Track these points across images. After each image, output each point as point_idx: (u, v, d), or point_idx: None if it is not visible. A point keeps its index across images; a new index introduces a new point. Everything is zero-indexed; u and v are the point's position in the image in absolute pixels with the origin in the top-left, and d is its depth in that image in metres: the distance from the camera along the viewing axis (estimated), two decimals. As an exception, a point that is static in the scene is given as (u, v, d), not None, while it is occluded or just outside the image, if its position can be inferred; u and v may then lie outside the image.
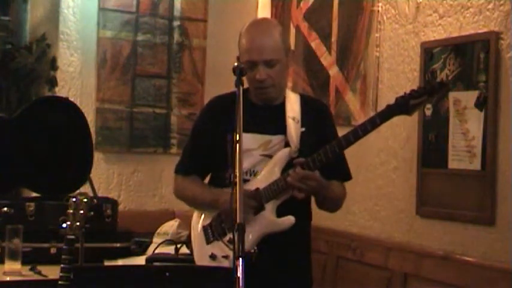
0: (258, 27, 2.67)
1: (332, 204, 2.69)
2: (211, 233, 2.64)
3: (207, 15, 4.66)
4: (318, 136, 2.61)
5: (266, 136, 2.60)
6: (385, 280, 3.30)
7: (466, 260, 2.93)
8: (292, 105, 2.65)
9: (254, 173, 2.59)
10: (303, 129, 2.61)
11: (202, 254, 2.64)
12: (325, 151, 2.49)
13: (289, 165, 2.56)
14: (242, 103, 2.51)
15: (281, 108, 2.64)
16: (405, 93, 2.40)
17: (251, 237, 2.51)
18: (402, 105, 2.41)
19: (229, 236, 2.57)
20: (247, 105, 2.54)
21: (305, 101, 2.71)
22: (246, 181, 2.55)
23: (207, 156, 2.72)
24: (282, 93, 2.66)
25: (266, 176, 2.56)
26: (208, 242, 2.64)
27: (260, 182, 2.56)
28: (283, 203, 2.55)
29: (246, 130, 2.43)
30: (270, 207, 2.54)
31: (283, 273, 2.60)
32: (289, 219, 2.53)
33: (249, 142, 2.53)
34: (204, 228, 2.67)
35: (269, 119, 2.63)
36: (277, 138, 2.60)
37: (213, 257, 2.59)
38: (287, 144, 2.59)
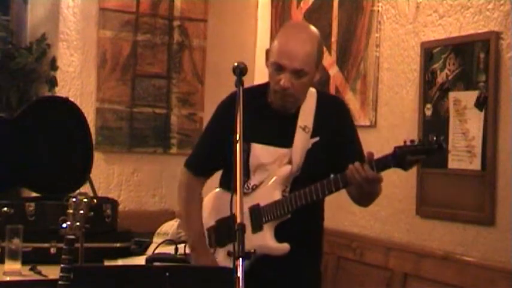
0: (297, 32, 2.49)
1: (371, 200, 2.54)
2: (215, 239, 2.63)
3: (207, 15, 4.66)
4: (332, 144, 2.51)
5: (281, 149, 2.51)
6: (385, 280, 3.30)
7: (466, 260, 2.93)
8: (307, 109, 2.54)
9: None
10: (317, 138, 2.50)
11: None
12: (315, 189, 2.41)
13: (292, 183, 2.50)
14: (261, 107, 2.49)
15: (296, 115, 2.53)
16: (405, 142, 2.31)
17: None
18: (399, 160, 2.32)
19: (228, 248, 2.55)
20: (264, 111, 2.50)
21: (320, 102, 2.56)
22: (252, 190, 2.53)
23: (219, 158, 2.59)
24: (299, 103, 2.53)
25: (267, 193, 2.50)
26: (210, 244, 2.64)
27: (261, 197, 2.50)
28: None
29: (261, 141, 2.41)
30: (268, 229, 2.48)
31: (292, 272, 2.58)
32: (284, 247, 2.47)
33: (265, 155, 2.48)
34: (208, 230, 2.65)
35: (285, 128, 2.52)
36: (291, 152, 2.51)
37: None
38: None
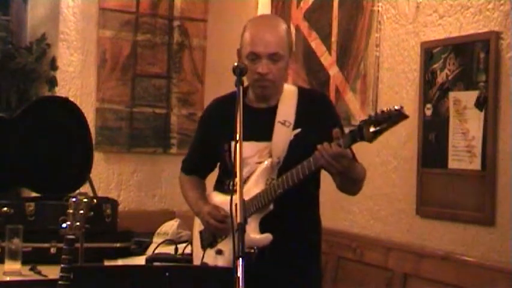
0: (264, 21, 2.66)
1: (355, 185, 2.57)
2: (205, 240, 2.66)
3: (207, 15, 4.67)
4: (316, 135, 2.49)
5: (261, 143, 2.55)
6: (385, 280, 3.30)
7: (466, 260, 2.93)
8: (286, 106, 2.59)
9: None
10: (298, 130, 2.54)
11: (198, 258, 2.67)
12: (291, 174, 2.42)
13: (278, 175, 2.50)
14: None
15: (275, 111, 2.58)
16: (370, 115, 2.30)
17: (228, 254, 2.53)
18: (363, 131, 2.29)
19: (218, 247, 2.59)
20: (243, 110, 2.54)
21: (302, 97, 2.62)
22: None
23: (207, 160, 2.75)
24: (278, 92, 2.59)
25: (252, 187, 2.51)
26: (202, 246, 2.67)
27: (246, 193, 2.45)
28: (289, 201, 2.49)
29: (244, 139, 2.44)
30: (252, 222, 2.48)
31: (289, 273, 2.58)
32: (267, 237, 2.47)
33: (246, 150, 2.50)
34: (200, 232, 2.70)
35: (264, 124, 2.56)
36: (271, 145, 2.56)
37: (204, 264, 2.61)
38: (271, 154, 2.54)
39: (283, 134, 2.54)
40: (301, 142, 2.52)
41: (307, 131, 2.55)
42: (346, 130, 2.51)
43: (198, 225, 2.71)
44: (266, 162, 2.52)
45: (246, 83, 2.67)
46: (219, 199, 2.63)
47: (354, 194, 2.66)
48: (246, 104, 2.60)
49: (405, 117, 2.25)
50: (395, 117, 2.24)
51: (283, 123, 2.55)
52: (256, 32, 2.52)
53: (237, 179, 2.05)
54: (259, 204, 2.49)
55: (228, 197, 2.54)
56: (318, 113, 2.60)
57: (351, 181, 2.53)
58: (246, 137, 2.47)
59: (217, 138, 2.61)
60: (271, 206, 2.49)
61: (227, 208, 2.55)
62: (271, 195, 2.47)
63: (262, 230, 2.50)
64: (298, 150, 2.50)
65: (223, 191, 2.64)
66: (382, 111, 2.26)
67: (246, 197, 2.50)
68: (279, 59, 2.51)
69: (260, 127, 2.55)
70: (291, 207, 2.51)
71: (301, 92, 2.66)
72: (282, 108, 2.58)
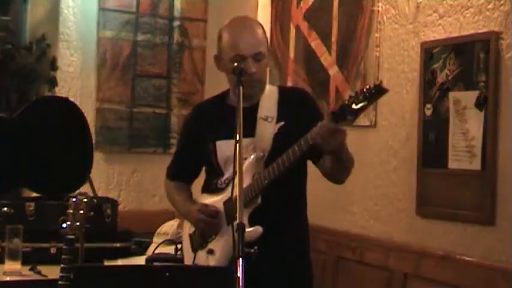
0: (242, 23, 2.67)
1: (344, 169, 2.55)
2: (195, 242, 2.68)
3: (207, 15, 4.66)
4: (299, 126, 2.47)
5: (245, 140, 2.47)
6: (385, 280, 3.30)
7: (466, 260, 2.93)
8: (267, 103, 2.62)
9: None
10: (282, 123, 2.57)
11: (189, 260, 2.69)
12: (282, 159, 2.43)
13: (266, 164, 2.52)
14: (220, 108, 2.56)
15: (257, 108, 2.61)
16: (350, 95, 2.29)
17: (219, 254, 2.55)
18: (343, 112, 2.27)
19: (208, 247, 2.61)
20: (225, 111, 2.57)
21: (282, 94, 2.67)
22: (227, 185, 2.57)
23: (193, 164, 2.78)
24: (261, 91, 2.63)
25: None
26: (192, 249, 2.68)
27: (234, 189, 2.53)
28: (276, 198, 2.51)
29: (225, 138, 2.46)
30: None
31: (280, 270, 2.58)
32: (257, 230, 2.47)
33: (231, 148, 2.50)
34: (190, 236, 2.71)
35: (246, 121, 2.48)
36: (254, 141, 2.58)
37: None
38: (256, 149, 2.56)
39: (266, 128, 2.57)
40: (286, 135, 2.54)
41: (290, 124, 2.57)
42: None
43: (187, 228, 2.73)
44: (252, 157, 2.54)
45: (228, 87, 2.70)
46: (208, 200, 2.64)
47: (341, 181, 2.63)
48: (227, 105, 2.65)
49: (385, 91, 2.25)
50: (376, 92, 2.24)
51: (266, 119, 2.59)
52: (238, 35, 2.56)
53: (236, 179, 2.05)
54: (247, 197, 2.48)
55: (217, 197, 2.60)
56: (299, 106, 2.63)
57: (341, 164, 2.50)
58: (230, 136, 2.48)
59: (202, 139, 2.65)
60: (259, 200, 2.50)
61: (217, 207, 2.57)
62: (258, 187, 2.48)
63: (252, 225, 2.49)
64: (283, 142, 2.50)
65: (211, 191, 2.65)
66: (362, 90, 2.27)
67: (234, 193, 2.51)
68: (262, 57, 2.56)
69: (243, 125, 2.55)
70: (278, 201, 2.52)
71: (281, 89, 2.73)
72: (264, 105, 2.62)
